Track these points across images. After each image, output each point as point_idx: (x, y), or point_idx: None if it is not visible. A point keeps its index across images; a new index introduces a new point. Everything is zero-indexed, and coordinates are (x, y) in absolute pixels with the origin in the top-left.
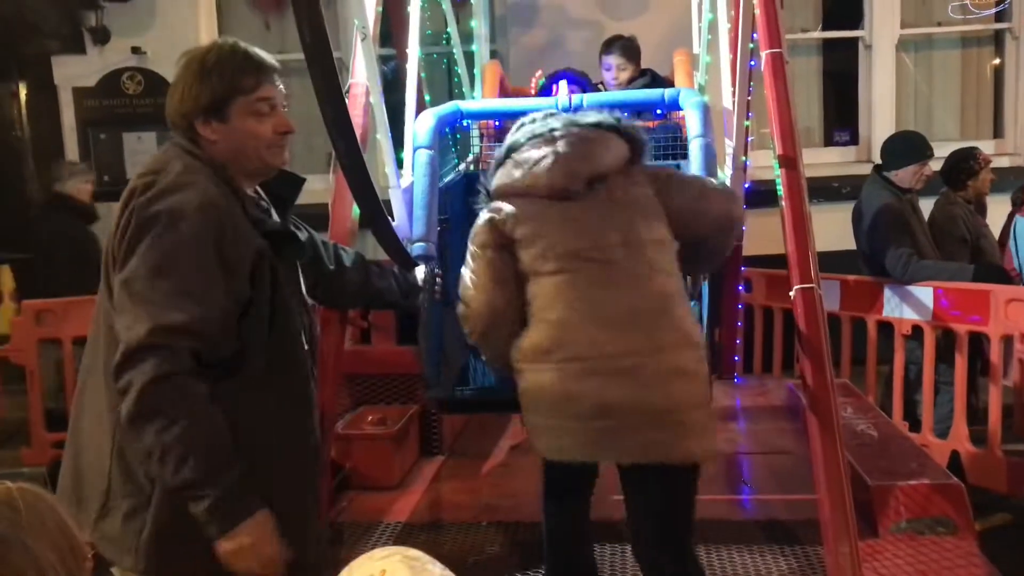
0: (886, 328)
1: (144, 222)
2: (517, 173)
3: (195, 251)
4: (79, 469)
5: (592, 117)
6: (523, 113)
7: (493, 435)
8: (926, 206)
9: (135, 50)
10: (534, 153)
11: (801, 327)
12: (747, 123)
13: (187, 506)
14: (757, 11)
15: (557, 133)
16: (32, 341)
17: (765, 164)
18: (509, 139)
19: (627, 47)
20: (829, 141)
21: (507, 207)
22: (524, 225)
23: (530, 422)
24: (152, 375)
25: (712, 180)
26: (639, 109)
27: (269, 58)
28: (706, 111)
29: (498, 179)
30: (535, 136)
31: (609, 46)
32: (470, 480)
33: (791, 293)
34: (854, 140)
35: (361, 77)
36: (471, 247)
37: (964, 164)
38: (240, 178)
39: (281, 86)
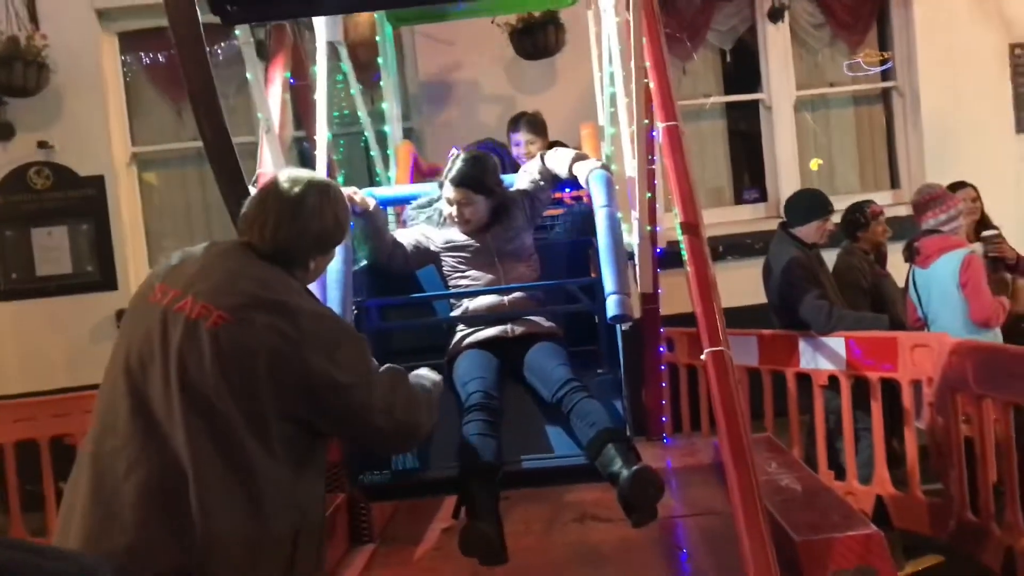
0: (805, 379)
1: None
2: None
3: None
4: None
5: None
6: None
7: (424, 518)
8: (830, 258)
9: (41, 144)
10: None
11: (714, 390)
12: (648, 195)
13: None
14: (652, 85)
15: None
16: None
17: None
18: None
19: (532, 122)
20: (739, 199)
21: None
22: None
23: None
24: None
25: None
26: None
27: None
28: (609, 184)
29: None
30: None
31: (515, 123)
32: (402, 567)
33: (702, 356)
34: (763, 197)
35: (268, 167)
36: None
37: (852, 217)
38: None
39: None
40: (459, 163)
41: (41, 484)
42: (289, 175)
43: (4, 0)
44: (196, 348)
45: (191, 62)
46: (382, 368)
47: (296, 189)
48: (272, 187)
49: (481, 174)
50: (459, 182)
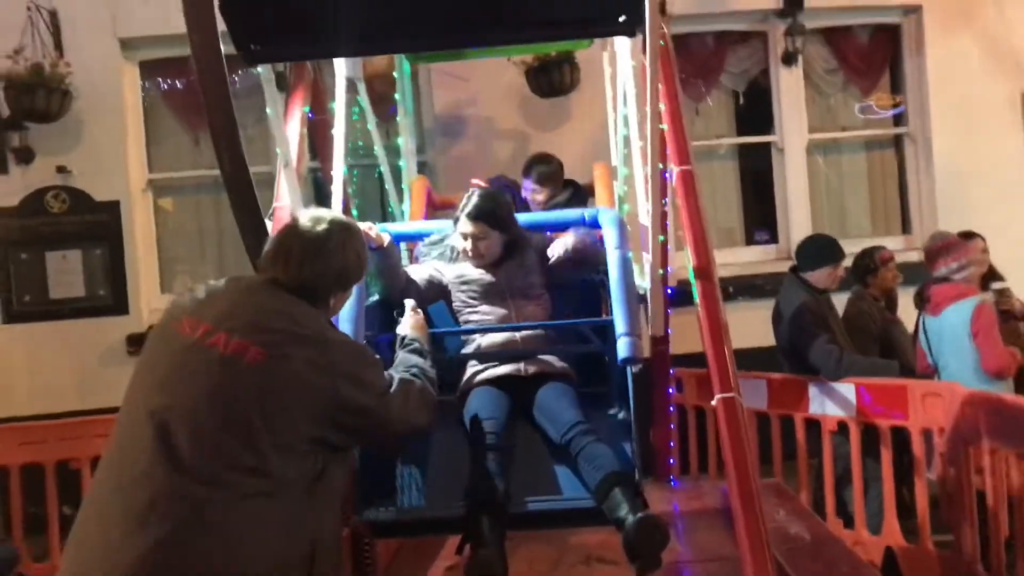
0: (815, 424)
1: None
2: None
3: None
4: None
5: None
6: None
7: (429, 555)
8: (840, 303)
9: (60, 169)
10: None
11: (724, 436)
12: (661, 238)
13: None
14: (665, 127)
15: None
16: None
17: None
18: None
19: (542, 174)
20: (750, 240)
21: None
22: None
23: None
24: None
25: None
26: (562, 228)
27: None
28: (622, 226)
29: None
30: None
31: (528, 168)
32: None
33: (713, 402)
34: (774, 238)
35: (285, 201)
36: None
37: (862, 262)
38: None
39: None
40: (475, 198)
41: (44, 507)
42: (311, 214)
43: (30, 27)
44: (231, 383)
45: (214, 98)
46: (394, 381)
47: (320, 227)
48: (295, 225)
49: (497, 209)
50: (476, 216)
